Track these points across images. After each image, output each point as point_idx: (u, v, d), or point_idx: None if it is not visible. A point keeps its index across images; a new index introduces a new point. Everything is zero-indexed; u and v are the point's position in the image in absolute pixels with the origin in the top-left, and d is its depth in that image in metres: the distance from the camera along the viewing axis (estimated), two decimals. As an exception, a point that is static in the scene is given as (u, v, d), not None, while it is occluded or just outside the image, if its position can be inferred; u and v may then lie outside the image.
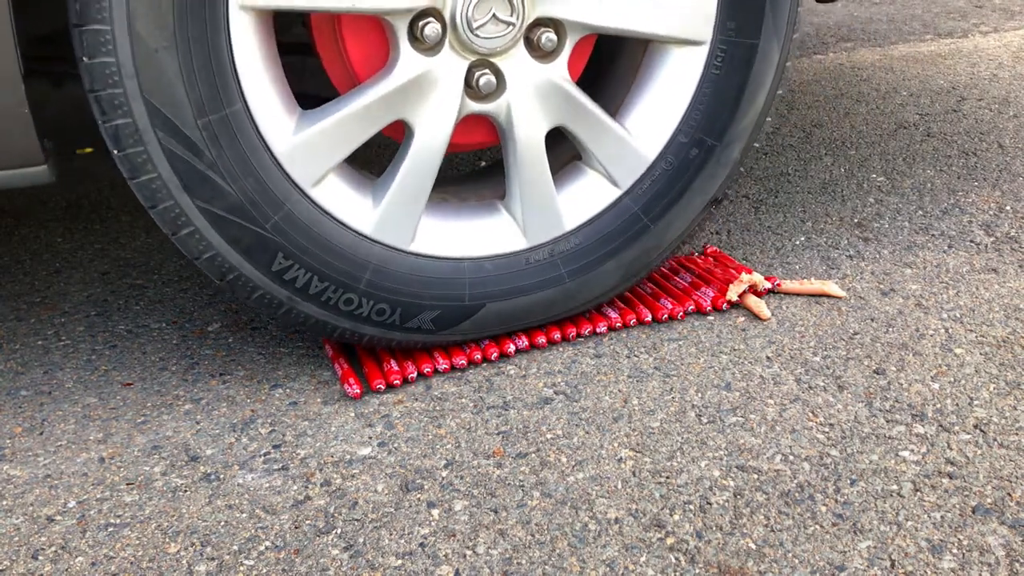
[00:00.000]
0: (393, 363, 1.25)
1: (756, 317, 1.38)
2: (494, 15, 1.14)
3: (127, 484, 1.08)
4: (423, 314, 1.22)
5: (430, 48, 1.15)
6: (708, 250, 1.56)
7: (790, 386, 1.21)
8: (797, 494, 1.02)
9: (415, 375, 1.24)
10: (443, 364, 1.26)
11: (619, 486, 1.04)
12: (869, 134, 2.11)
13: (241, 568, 0.95)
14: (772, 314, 1.38)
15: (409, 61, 1.14)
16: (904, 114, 2.23)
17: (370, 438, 1.14)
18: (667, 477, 1.05)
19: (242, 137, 1.08)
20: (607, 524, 0.99)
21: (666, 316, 1.37)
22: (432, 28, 1.12)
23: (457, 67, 1.16)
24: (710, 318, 1.39)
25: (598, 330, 1.34)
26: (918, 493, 1.01)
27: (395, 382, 1.23)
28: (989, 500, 1.00)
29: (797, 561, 0.93)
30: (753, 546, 0.95)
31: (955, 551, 0.93)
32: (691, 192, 1.30)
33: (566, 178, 1.30)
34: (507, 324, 1.28)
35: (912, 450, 1.08)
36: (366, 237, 1.18)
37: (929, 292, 1.43)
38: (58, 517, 1.03)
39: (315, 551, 0.97)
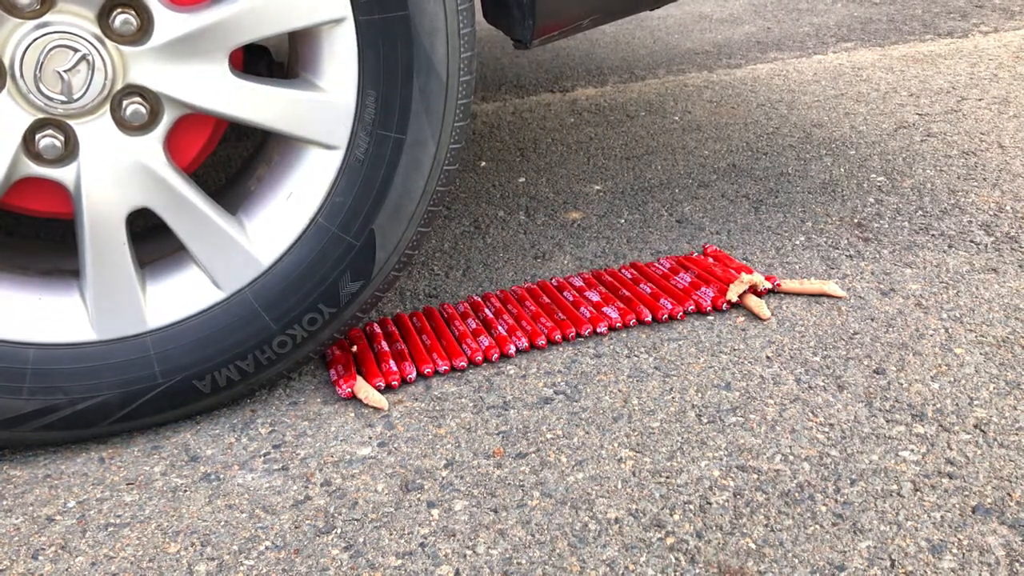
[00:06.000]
0: (392, 364, 1.25)
1: (756, 317, 1.38)
2: (64, 72, 0.99)
3: (127, 484, 1.08)
4: (341, 284, 1.16)
5: (70, 150, 1.03)
6: (708, 250, 1.56)
7: (790, 386, 1.21)
8: (797, 494, 1.02)
9: (414, 375, 1.24)
10: (443, 365, 1.26)
11: (619, 486, 1.04)
12: (869, 134, 2.11)
13: (241, 568, 0.95)
14: (772, 314, 1.38)
15: (70, 178, 1.04)
16: (904, 114, 2.23)
17: (370, 438, 1.14)
18: (667, 477, 1.05)
19: (60, 364, 1.07)
20: (607, 524, 0.99)
21: (666, 316, 1.37)
22: (47, 142, 1.01)
23: (107, 131, 1.04)
24: (710, 318, 1.38)
25: (598, 330, 1.34)
26: (918, 493, 1.01)
27: (394, 383, 1.23)
28: (989, 500, 1.00)
29: (797, 561, 0.93)
30: (753, 546, 0.95)
31: (955, 551, 0.93)
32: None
33: (310, 57, 1.12)
34: (405, 218, 1.16)
35: (912, 450, 1.08)
36: (230, 296, 1.14)
37: (929, 292, 1.43)
38: (58, 517, 1.03)
39: (315, 551, 0.97)
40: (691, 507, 1.01)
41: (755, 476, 1.05)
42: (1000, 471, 1.04)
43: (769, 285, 1.43)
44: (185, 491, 1.07)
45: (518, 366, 1.28)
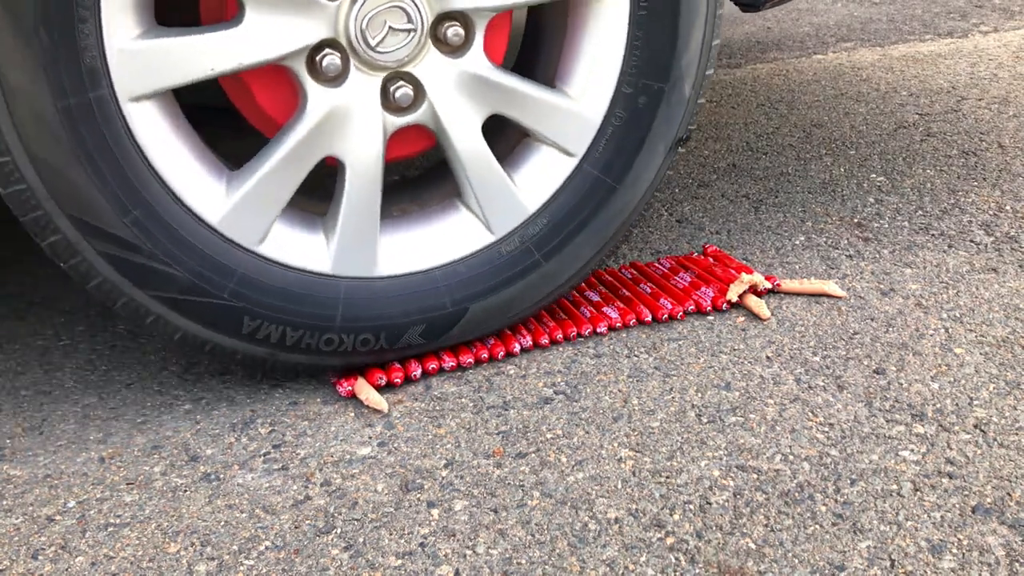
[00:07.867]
0: (396, 361, 1.25)
1: (756, 317, 1.38)
2: (391, 28, 1.10)
3: (127, 484, 1.08)
4: (410, 331, 1.22)
5: (335, 78, 1.12)
6: (708, 250, 1.56)
7: (790, 386, 1.21)
8: (797, 494, 1.02)
9: (419, 373, 1.24)
10: (450, 363, 1.26)
11: (619, 486, 1.04)
12: (869, 134, 2.11)
13: (241, 568, 0.95)
14: (772, 314, 1.38)
15: (316, 98, 1.12)
16: (904, 114, 2.23)
17: (370, 438, 1.14)
18: (667, 477, 1.05)
19: (174, 220, 1.09)
20: (607, 524, 0.99)
21: (666, 316, 1.37)
22: (331, 60, 1.10)
23: (370, 89, 1.14)
24: (710, 318, 1.39)
25: (598, 330, 1.34)
26: (918, 493, 1.01)
27: (396, 380, 1.23)
28: (989, 500, 1.00)
29: (797, 561, 0.93)
30: (753, 546, 0.95)
31: (955, 551, 0.93)
32: (651, 140, 1.25)
33: (520, 158, 1.26)
34: (495, 319, 1.27)
35: (912, 450, 1.08)
36: (330, 275, 1.18)
37: (929, 292, 1.43)
38: (58, 517, 1.03)
39: (315, 551, 0.97)
40: (691, 507, 1.01)
41: (755, 476, 1.05)
42: (1000, 471, 1.04)
43: (769, 285, 1.43)
44: (185, 491, 1.07)
45: (518, 366, 1.28)
